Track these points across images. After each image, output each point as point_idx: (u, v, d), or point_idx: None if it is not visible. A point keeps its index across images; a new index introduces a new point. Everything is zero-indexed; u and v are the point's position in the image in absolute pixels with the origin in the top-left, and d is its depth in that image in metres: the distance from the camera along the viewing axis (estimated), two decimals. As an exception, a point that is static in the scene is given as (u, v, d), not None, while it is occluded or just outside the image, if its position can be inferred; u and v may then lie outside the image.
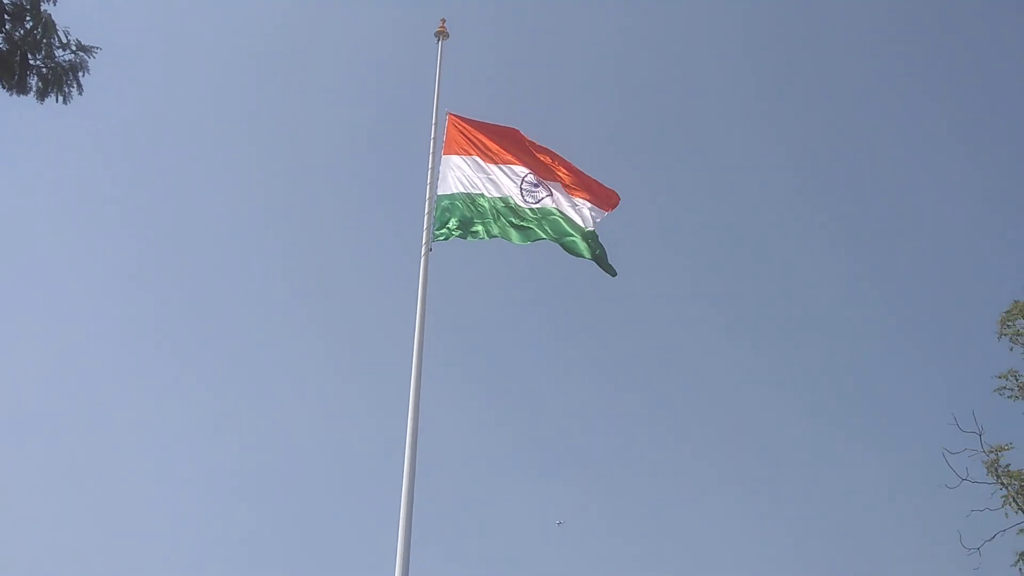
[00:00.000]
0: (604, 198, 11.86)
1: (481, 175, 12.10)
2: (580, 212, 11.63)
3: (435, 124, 12.39)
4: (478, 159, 12.25)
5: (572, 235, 11.41)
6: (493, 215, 11.66)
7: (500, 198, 11.83)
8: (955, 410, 15.80)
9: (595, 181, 12.02)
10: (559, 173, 12.06)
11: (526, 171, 12.05)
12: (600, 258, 11.40)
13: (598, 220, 11.61)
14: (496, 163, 12.19)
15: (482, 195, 11.89)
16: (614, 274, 11.48)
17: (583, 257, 11.33)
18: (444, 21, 13.13)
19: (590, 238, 11.41)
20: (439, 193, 11.84)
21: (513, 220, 11.62)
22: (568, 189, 11.89)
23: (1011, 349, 16.45)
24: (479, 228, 11.63)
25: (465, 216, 11.68)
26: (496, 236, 11.45)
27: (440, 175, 12.03)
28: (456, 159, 12.25)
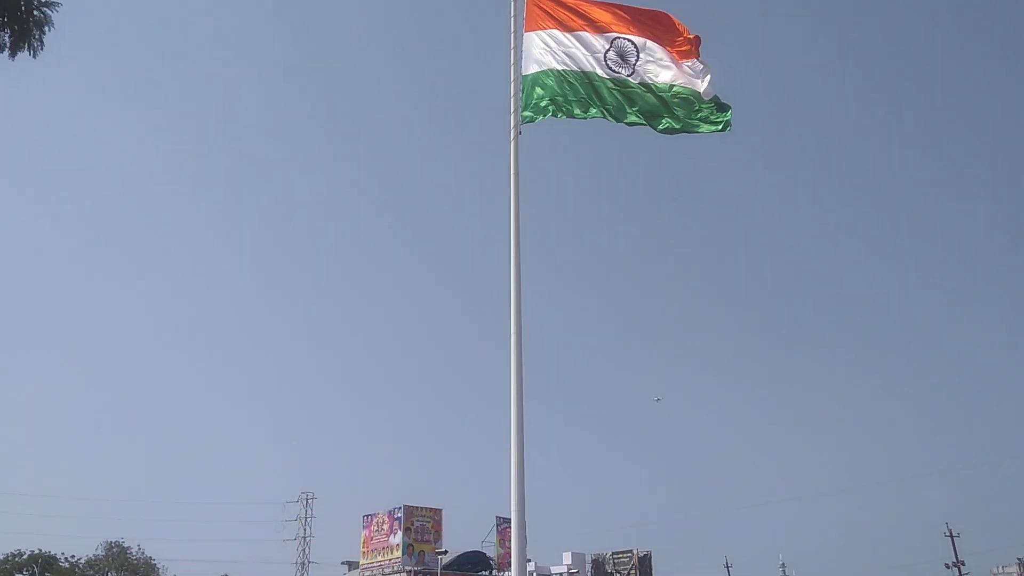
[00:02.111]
0: (694, 46, 11.05)
1: (566, 48, 11.61)
2: (678, 74, 10.96)
3: (515, 2, 12.01)
4: (558, 33, 11.78)
5: (660, 109, 10.90)
6: (582, 91, 11.27)
7: (585, 72, 11.38)
8: None
9: (690, 40, 11.14)
10: (653, 31, 11.29)
11: (614, 35, 11.38)
12: (701, 120, 10.74)
13: (698, 79, 10.87)
14: (582, 31, 11.63)
15: (570, 70, 11.50)
16: (725, 128, 10.70)
17: (675, 131, 10.87)
18: None
19: (685, 103, 10.80)
20: (524, 73, 11.58)
21: (600, 96, 11.18)
22: (665, 47, 11.15)
23: None
24: (569, 106, 11.28)
25: (554, 94, 11.37)
26: (584, 116, 11.19)
27: (523, 53, 11.72)
28: (539, 35, 11.88)
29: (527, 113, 11.30)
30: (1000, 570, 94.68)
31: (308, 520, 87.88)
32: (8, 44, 9.46)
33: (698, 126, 10.71)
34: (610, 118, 11.07)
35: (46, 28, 9.51)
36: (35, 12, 9.41)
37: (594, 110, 11.18)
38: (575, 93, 11.30)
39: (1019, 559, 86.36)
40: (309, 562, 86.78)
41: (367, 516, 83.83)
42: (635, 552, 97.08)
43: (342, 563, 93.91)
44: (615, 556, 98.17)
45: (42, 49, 9.45)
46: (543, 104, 11.34)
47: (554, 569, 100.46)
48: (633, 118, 11.01)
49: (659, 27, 11.34)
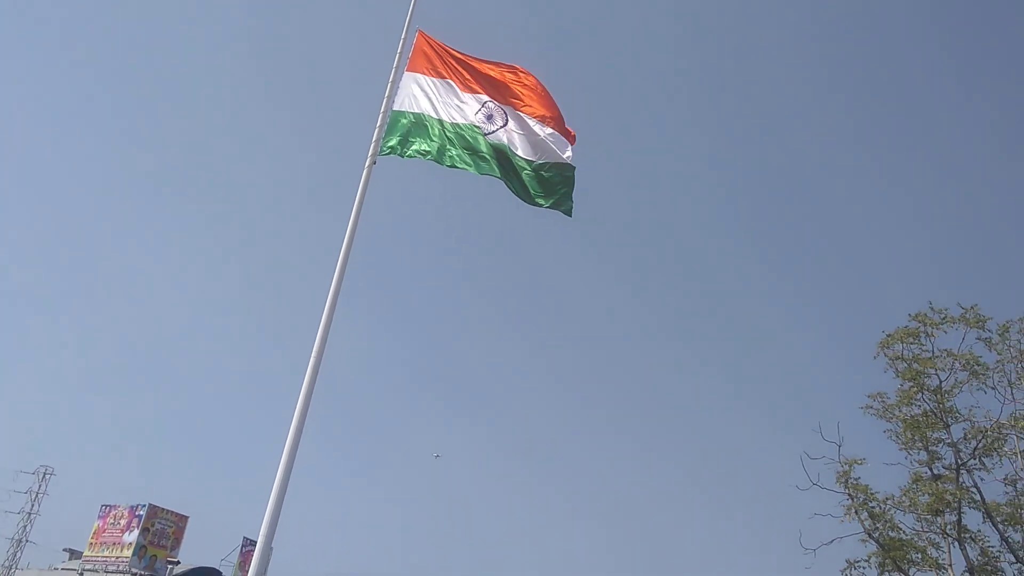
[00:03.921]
0: (566, 132, 11.59)
1: (440, 97, 11.94)
2: (542, 143, 11.38)
3: (404, 39, 12.22)
4: (439, 80, 12.10)
5: (521, 171, 11.19)
6: (445, 139, 11.51)
7: (456, 124, 11.67)
8: (824, 420, 16.81)
9: (560, 115, 11.72)
10: (524, 100, 11.79)
11: (487, 98, 11.84)
12: (551, 195, 11.10)
13: (564, 153, 11.33)
14: (459, 87, 12.03)
15: (438, 118, 11.75)
16: (569, 214, 11.09)
17: (525, 200, 11.15)
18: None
19: (547, 172, 11.17)
20: (394, 108, 11.71)
21: (465, 148, 11.45)
22: (534, 118, 11.62)
23: (885, 371, 17.53)
24: (426, 149, 11.47)
25: (414, 135, 11.57)
26: (444, 163, 11.39)
27: (399, 90, 11.88)
28: (419, 77, 12.11)
29: (386, 147, 11.40)
30: None
31: (39, 496, 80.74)
32: None
33: (545, 202, 11.16)
34: (470, 168, 11.33)
35: None
36: None
37: (451, 159, 11.41)
38: (437, 139, 11.53)
39: None
40: (27, 541, 79.42)
41: (105, 506, 78.13)
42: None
43: (64, 549, 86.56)
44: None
45: None
46: (400, 142, 11.49)
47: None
48: (488, 170, 11.31)
49: (533, 97, 11.87)
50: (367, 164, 11.08)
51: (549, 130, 11.59)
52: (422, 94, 11.95)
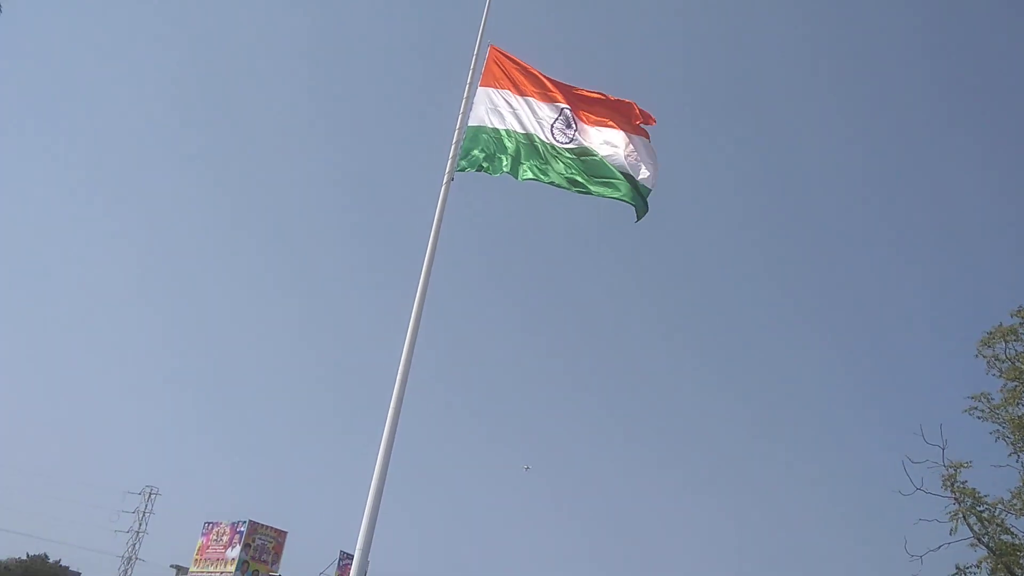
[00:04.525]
0: (643, 134, 11.51)
1: (514, 110, 11.95)
2: (618, 156, 11.28)
3: (476, 55, 12.30)
4: (513, 94, 12.12)
5: (602, 178, 11.14)
6: (521, 152, 11.53)
7: (529, 135, 11.68)
8: (924, 422, 16.22)
9: (634, 114, 11.61)
10: (599, 114, 11.72)
11: (563, 106, 11.80)
12: (632, 197, 11.01)
13: (642, 170, 11.21)
14: (532, 98, 12.02)
15: (513, 131, 11.77)
16: (641, 215, 10.99)
17: (612, 198, 11.05)
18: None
19: (626, 180, 11.10)
20: (469, 124, 11.81)
21: (539, 160, 11.46)
22: (607, 127, 11.55)
23: (987, 372, 16.79)
24: (504, 163, 11.51)
25: (491, 150, 11.62)
26: (520, 177, 11.42)
27: (473, 106, 11.97)
28: (492, 92, 12.18)
29: (463, 163, 11.49)
30: None
31: (146, 515, 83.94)
32: None
33: (623, 197, 11.06)
34: (542, 178, 11.34)
35: None
36: None
37: (527, 172, 11.43)
38: (514, 153, 11.56)
39: None
40: (137, 558, 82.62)
41: (208, 523, 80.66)
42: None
43: (171, 566, 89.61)
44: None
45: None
46: (479, 157, 11.56)
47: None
48: (561, 181, 11.29)
49: (612, 111, 11.80)
50: (445, 181, 11.20)
51: (625, 142, 11.46)
52: (497, 108, 12.01)
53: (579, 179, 11.20)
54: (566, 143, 11.48)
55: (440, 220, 10.98)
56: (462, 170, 11.46)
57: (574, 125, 11.67)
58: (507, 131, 11.78)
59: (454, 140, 11.51)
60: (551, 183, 11.29)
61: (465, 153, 11.57)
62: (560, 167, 11.33)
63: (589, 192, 11.17)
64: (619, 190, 11.06)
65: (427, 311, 10.15)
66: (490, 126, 11.86)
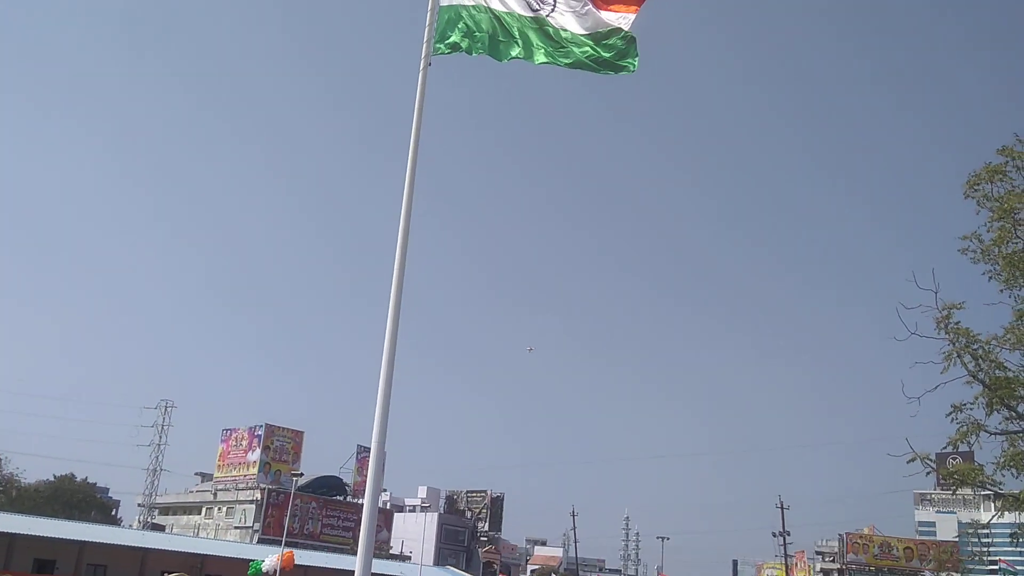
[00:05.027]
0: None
1: None
2: (594, 16, 10.78)
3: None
4: None
5: (580, 45, 10.76)
6: (497, 30, 11.16)
7: (509, 12, 11.22)
8: (916, 268, 16.42)
9: None
10: None
11: None
12: (613, 59, 10.62)
13: (622, 22, 10.69)
14: None
15: (486, 6, 11.33)
16: (632, 69, 10.61)
17: (591, 69, 10.72)
18: None
19: (608, 39, 10.66)
20: (442, 4, 11.41)
21: (516, 37, 11.08)
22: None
23: (977, 212, 16.84)
24: (484, 43, 11.15)
25: (466, 29, 11.28)
26: (500, 57, 11.15)
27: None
28: None
29: (439, 45, 11.18)
30: (823, 543, 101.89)
31: (165, 428, 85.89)
32: None
33: (605, 67, 10.74)
34: (525, 57, 11.06)
35: None
36: None
37: (512, 51, 11.12)
38: (490, 30, 11.22)
39: (840, 535, 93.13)
40: (161, 469, 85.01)
41: (226, 430, 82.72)
42: (488, 493, 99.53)
43: (196, 473, 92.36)
44: (469, 494, 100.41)
45: None
46: (454, 39, 11.24)
47: (408, 501, 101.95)
48: (541, 57, 11.01)
49: None
50: (422, 67, 10.94)
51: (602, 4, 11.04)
52: None
53: (561, 51, 10.90)
54: (546, 14, 11.08)
55: (421, 107, 10.80)
56: (438, 53, 11.17)
57: None
58: (478, 7, 11.38)
59: (427, 22, 11.16)
60: (536, 63, 11.01)
61: (441, 36, 11.24)
62: (540, 39, 10.98)
63: (574, 65, 10.87)
64: (603, 54, 10.72)
65: (426, 193, 10.13)
66: (462, 4, 11.47)
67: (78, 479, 78.17)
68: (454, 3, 11.49)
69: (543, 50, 11.03)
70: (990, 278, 16.76)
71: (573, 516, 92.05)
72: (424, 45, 11.01)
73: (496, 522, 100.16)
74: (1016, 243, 15.98)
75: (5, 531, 40.51)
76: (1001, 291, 16.61)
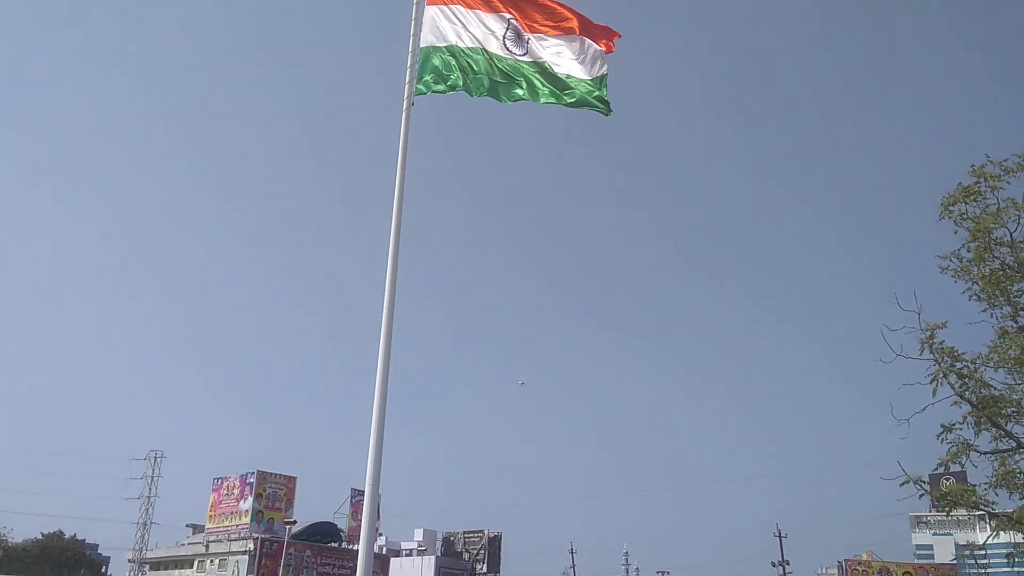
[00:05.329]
0: (602, 36, 11.38)
1: (464, 24, 11.72)
2: (571, 59, 11.22)
3: (419, -28, 12.06)
4: (461, 7, 11.84)
5: (555, 86, 11.06)
6: (475, 68, 11.40)
7: (482, 50, 11.49)
8: (898, 290, 16.60)
9: (590, 22, 11.49)
10: (554, 15, 11.57)
11: (508, 16, 11.58)
12: (588, 100, 10.98)
13: (599, 65, 11.15)
14: (479, 10, 11.76)
15: (465, 47, 11.58)
16: (607, 112, 10.90)
17: (565, 104, 11.04)
18: None
19: (581, 85, 11.05)
20: (422, 45, 11.64)
21: (495, 74, 11.31)
22: (560, 32, 11.43)
23: (955, 232, 17.06)
24: (459, 82, 11.40)
25: (447, 70, 11.50)
26: (477, 94, 11.37)
27: (423, 25, 11.76)
28: (440, 9, 11.96)
29: (420, 86, 11.40)
30: (823, 571, 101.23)
31: (155, 479, 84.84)
32: None
33: (582, 103, 11.04)
34: (502, 98, 11.32)
35: None
36: None
37: (484, 90, 11.38)
38: (471, 70, 11.47)
39: (839, 562, 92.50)
40: (152, 523, 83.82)
41: (218, 479, 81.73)
42: (486, 533, 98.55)
43: (187, 525, 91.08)
44: (466, 535, 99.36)
45: None
46: (435, 78, 11.47)
47: (404, 545, 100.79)
48: (518, 93, 11.28)
49: (557, 15, 11.65)
50: (405, 107, 11.15)
51: (576, 44, 11.35)
52: (447, 24, 11.81)
53: (538, 89, 11.18)
54: (522, 55, 11.38)
55: (405, 147, 10.98)
56: (420, 93, 11.39)
57: (525, 35, 11.52)
58: (460, 48, 11.64)
59: (408, 64, 11.39)
60: (511, 101, 11.27)
61: (421, 76, 11.46)
62: (517, 78, 11.27)
63: (551, 101, 11.16)
64: (576, 95, 11.05)
65: (408, 237, 10.26)
66: (442, 44, 11.72)
67: (66, 536, 76.97)
68: (432, 44, 11.75)
69: (519, 89, 11.34)
70: (970, 297, 16.96)
71: (572, 553, 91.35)
72: (407, 86, 11.22)
73: (495, 562, 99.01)
74: (993, 262, 16.20)
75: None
76: (983, 311, 16.81)
